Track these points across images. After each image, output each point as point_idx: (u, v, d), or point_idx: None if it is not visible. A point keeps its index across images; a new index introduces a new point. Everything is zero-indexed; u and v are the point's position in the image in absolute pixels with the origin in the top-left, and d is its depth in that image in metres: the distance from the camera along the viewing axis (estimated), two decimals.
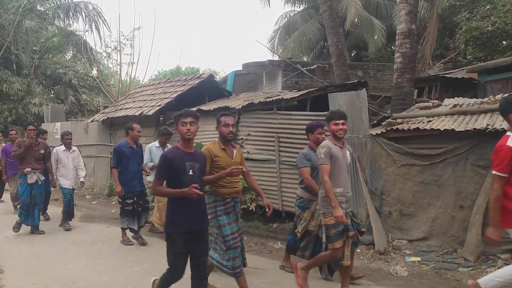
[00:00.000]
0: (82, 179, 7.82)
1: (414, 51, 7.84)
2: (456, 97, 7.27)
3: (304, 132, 7.57)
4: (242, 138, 8.18)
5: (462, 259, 5.07)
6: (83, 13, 20.22)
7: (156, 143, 6.76)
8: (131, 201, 6.17)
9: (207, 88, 10.77)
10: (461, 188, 5.31)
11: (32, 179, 6.86)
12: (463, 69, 10.92)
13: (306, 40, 16.77)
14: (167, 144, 6.70)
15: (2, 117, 16.53)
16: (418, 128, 5.61)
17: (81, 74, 19.25)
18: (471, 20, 12.39)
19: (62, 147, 7.56)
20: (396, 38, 7.85)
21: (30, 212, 6.88)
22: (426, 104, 6.96)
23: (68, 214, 7.37)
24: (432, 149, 5.54)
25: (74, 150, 7.72)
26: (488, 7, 13.60)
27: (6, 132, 16.67)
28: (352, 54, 18.07)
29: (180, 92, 10.13)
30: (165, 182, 3.52)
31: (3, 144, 9.58)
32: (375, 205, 5.96)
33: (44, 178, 7.15)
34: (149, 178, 6.35)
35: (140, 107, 10.36)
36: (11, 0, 17.81)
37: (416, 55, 8.19)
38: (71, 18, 20.28)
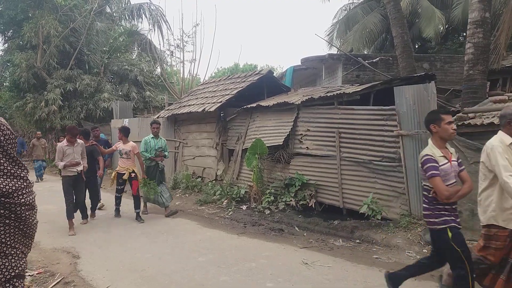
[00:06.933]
0: None
1: (487, 41, 7.34)
2: None
3: (366, 128, 7.38)
4: (301, 134, 8.14)
5: None
6: (146, 13, 21.23)
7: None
8: None
9: (266, 84, 10.85)
10: None
11: None
12: None
13: (367, 32, 16.25)
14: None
15: (75, 112, 17.79)
16: (492, 123, 5.26)
17: (146, 72, 20.14)
18: None
19: None
20: (468, 28, 7.39)
21: None
22: (501, 97, 6.49)
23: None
24: None
25: None
26: None
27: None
28: (416, 46, 17.26)
29: (240, 88, 10.26)
30: None
31: None
32: None
33: None
34: None
35: (202, 103, 10.66)
36: (83, 4, 19.06)
37: (489, 46, 7.66)
38: (135, 18, 21.40)
